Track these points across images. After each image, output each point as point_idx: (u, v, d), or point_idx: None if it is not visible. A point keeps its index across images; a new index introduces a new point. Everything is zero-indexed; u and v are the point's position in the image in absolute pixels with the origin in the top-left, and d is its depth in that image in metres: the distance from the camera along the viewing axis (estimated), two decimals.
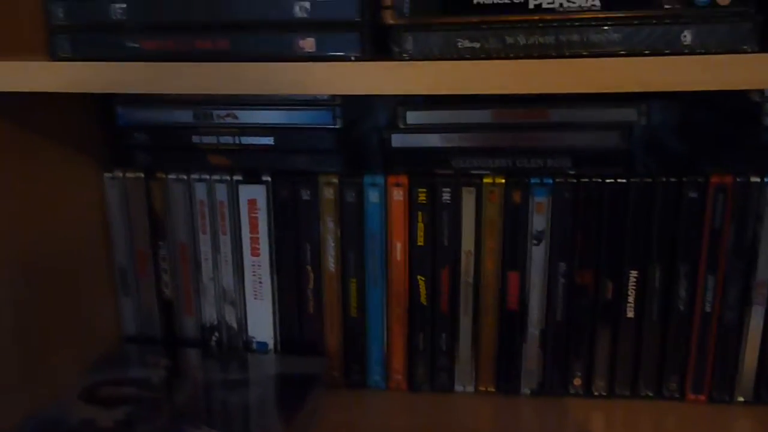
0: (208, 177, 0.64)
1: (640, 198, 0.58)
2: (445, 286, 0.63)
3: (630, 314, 0.62)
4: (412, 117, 0.60)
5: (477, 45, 0.40)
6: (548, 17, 0.40)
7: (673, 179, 0.58)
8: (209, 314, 0.67)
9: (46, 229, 0.60)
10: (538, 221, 0.60)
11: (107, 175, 0.65)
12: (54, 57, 0.46)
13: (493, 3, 0.40)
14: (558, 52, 0.40)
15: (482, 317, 0.64)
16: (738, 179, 0.57)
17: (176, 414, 0.56)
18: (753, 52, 0.39)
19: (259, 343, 0.67)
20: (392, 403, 0.65)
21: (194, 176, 0.64)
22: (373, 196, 0.62)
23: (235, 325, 0.67)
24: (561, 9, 0.39)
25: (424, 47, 0.41)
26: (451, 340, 0.64)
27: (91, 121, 0.65)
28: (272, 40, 0.43)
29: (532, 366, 0.64)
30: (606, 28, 0.39)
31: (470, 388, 0.66)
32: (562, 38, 0.40)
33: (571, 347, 0.63)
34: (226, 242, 0.65)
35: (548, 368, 0.64)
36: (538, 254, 0.61)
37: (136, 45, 0.44)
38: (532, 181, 0.60)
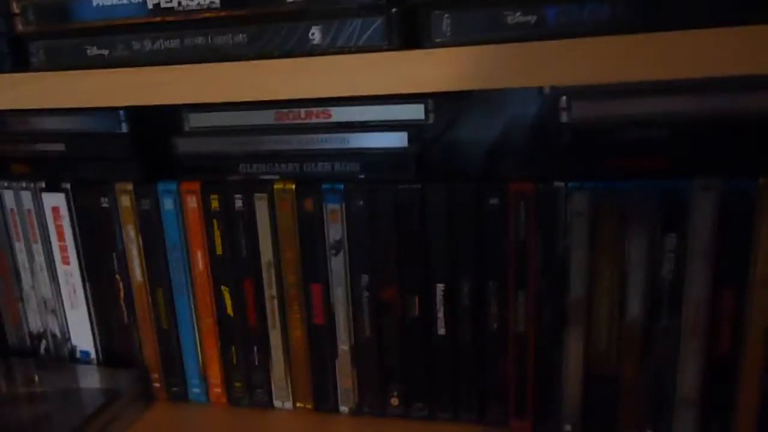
0: (14, 184, 0.62)
1: (436, 205, 0.52)
2: (250, 298, 0.59)
3: (442, 332, 0.56)
4: (195, 120, 0.56)
5: (106, 52, 0.36)
6: (169, 18, 0.35)
7: (471, 185, 0.51)
8: (34, 323, 0.66)
9: None
10: (334, 230, 0.55)
11: None
12: None
13: (111, 4, 0.35)
14: (184, 57, 0.35)
15: (291, 331, 0.59)
16: (540, 185, 0.50)
17: None
18: (390, 49, 0.33)
19: (83, 351, 0.66)
20: (210, 418, 0.62)
21: (3, 183, 0.62)
22: (168, 204, 0.58)
23: (59, 334, 0.66)
24: (180, 9, 0.34)
25: (56, 57, 0.37)
26: (263, 355, 0.61)
27: None
28: None
29: (348, 384, 0.60)
30: (229, 29, 0.34)
31: (288, 405, 0.62)
32: (187, 42, 0.35)
33: (384, 365, 0.58)
34: (39, 251, 0.63)
35: (363, 386, 0.59)
36: (338, 266, 0.56)
37: None
38: (324, 187, 0.54)
